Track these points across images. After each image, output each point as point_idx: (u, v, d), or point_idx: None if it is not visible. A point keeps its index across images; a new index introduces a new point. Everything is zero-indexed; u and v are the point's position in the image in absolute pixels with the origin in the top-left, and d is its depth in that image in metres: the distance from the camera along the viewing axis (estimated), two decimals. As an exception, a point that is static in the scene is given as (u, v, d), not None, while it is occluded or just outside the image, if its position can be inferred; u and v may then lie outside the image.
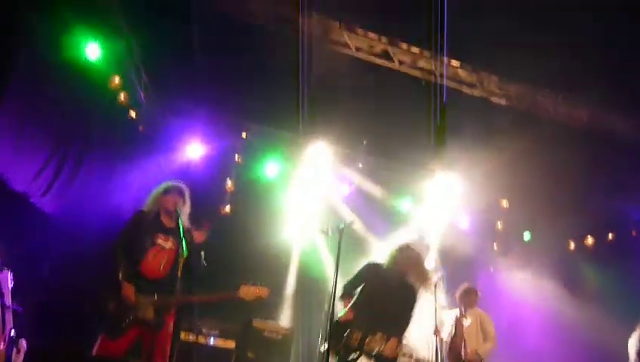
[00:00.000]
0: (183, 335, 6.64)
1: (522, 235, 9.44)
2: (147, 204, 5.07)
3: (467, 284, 7.29)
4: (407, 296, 5.48)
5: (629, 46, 6.40)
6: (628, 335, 7.79)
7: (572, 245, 9.36)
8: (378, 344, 5.22)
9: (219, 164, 8.06)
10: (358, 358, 5.25)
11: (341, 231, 5.12)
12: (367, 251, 8.21)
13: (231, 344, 6.86)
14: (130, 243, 4.83)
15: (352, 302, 5.45)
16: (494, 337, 6.97)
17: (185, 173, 7.46)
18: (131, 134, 7.38)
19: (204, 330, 6.82)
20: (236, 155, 8.15)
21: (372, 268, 5.66)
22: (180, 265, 4.72)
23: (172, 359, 4.81)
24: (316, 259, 8.36)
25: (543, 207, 8.62)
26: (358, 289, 5.56)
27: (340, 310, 5.45)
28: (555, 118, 7.26)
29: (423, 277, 5.62)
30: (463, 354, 6.84)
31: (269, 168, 8.32)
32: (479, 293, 7.21)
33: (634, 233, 8.79)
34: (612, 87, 6.74)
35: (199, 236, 5.21)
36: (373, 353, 5.22)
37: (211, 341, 6.81)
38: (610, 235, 9.09)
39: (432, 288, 5.78)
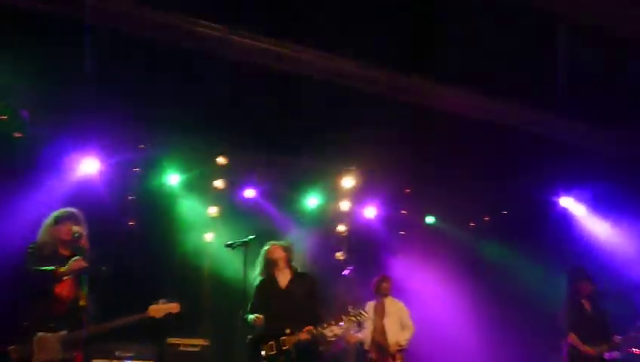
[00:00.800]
0: (94, 362, 6.47)
1: (425, 220, 9.89)
2: (40, 235, 4.78)
3: (381, 274, 7.50)
4: (298, 288, 5.61)
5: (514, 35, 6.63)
6: (521, 301, 8.52)
7: (472, 224, 9.91)
8: (293, 339, 5.31)
9: (118, 177, 7.77)
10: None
11: (247, 245, 5.14)
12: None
13: (148, 364, 6.72)
14: (32, 281, 4.56)
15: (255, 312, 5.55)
16: (411, 324, 7.21)
17: (82, 190, 7.19)
18: (18, 154, 6.98)
19: (117, 353, 6.62)
20: (136, 168, 7.89)
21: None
22: (84, 295, 4.52)
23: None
24: (229, 269, 8.30)
25: (444, 192, 9.02)
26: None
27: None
28: (448, 109, 7.56)
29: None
30: (385, 345, 7.03)
31: (171, 178, 8.13)
32: (392, 281, 7.42)
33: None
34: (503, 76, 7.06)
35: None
36: (292, 348, 5.30)
37: (126, 364, 6.62)
38: (504, 212, 9.67)
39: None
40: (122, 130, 7.60)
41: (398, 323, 7.15)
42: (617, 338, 6.48)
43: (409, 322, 7.20)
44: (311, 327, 5.34)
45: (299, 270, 5.82)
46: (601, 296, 6.70)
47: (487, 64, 6.87)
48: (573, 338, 6.44)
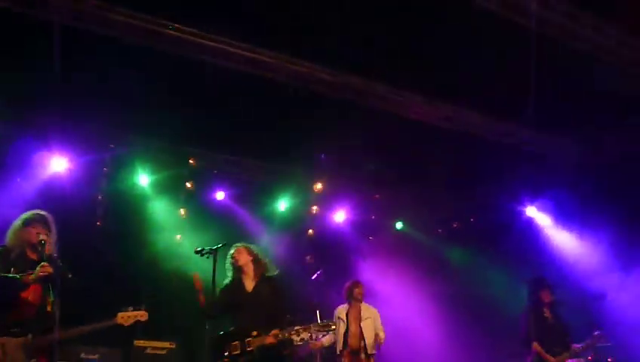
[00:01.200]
0: (59, 366, 6.41)
1: (394, 225, 10.02)
2: (8, 238, 4.72)
3: (352, 280, 7.55)
4: (264, 292, 5.62)
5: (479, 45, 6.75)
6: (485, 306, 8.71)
7: (439, 230, 10.09)
8: (258, 341, 5.32)
9: (87, 177, 7.71)
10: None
11: (215, 252, 5.16)
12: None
13: (114, 367, 6.71)
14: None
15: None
16: (382, 328, 7.27)
17: (50, 189, 7.11)
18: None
19: (82, 355, 6.59)
20: (104, 168, 7.83)
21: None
22: (51, 301, 4.49)
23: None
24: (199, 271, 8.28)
25: (412, 198, 9.16)
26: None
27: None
28: (418, 118, 7.68)
29: (264, 268, 5.78)
30: (358, 349, 7.06)
31: (141, 178, 8.09)
32: (364, 287, 7.48)
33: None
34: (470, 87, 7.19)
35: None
36: (255, 350, 5.31)
37: (91, 366, 6.59)
38: (471, 219, 9.86)
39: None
40: (91, 130, 7.55)
41: (373, 327, 7.19)
42: (576, 346, 6.67)
43: (381, 327, 7.30)
44: (277, 331, 5.36)
45: (267, 273, 5.81)
46: (560, 305, 6.86)
47: (453, 75, 6.99)
48: (537, 347, 6.58)
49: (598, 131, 8.01)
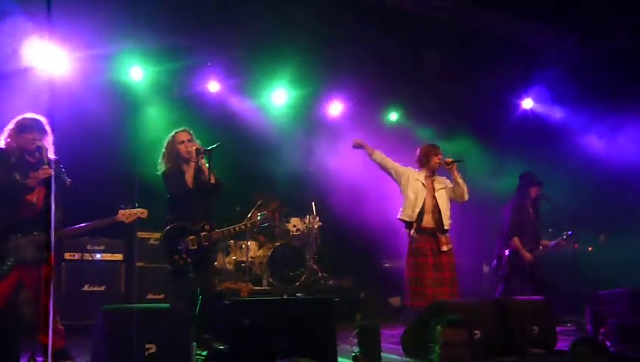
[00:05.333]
0: (67, 256, 6.79)
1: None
2: (6, 142, 4.80)
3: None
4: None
5: None
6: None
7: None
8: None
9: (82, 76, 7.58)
10: None
11: (210, 152, 5.27)
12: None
13: (118, 256, 7.07)
14: (2, 186, 4.67)
15: None
16: None
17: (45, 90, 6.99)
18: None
19: (88, 247, 6.93)
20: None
21: None
22: (52, 198, 4.68)
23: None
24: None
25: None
26: None
27: None
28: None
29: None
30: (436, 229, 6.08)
31: (134, 72, 8.03)
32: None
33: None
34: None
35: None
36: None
37: (97, 256, 6.95)
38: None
39: None
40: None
41: (448, 199, 6.12)
42: (547, 243, 6.95)
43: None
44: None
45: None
46: (543, 199, 7.06)
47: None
48: (517, 242, 6.85)
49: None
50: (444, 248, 5.90)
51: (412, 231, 5.91)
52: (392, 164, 6.10)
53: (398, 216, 6.04)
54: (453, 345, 3.68)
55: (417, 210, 5.90)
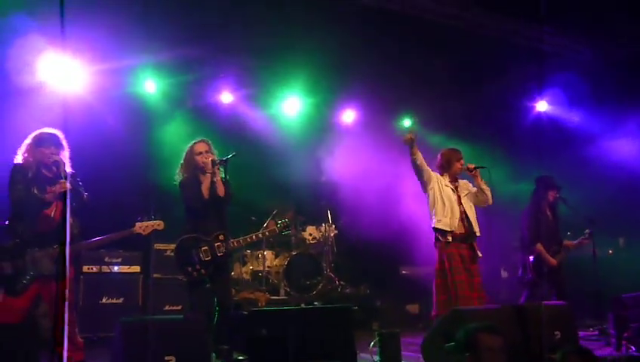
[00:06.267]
0: (85, 268, 6.83)
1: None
2: (23, 157, 4.85)
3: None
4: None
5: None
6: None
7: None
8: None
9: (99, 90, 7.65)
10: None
11: (226, 162, 5.27)
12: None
13: (136, 268, 7.11)
14: (21, 200, 4.72)
15: None
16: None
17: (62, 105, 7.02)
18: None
19: (106, 259, 6.97)
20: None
21: None
22: (68, 212, 4.70)
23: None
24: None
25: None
26: None
27: None
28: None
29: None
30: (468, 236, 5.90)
31: (148, 85, 8.10)
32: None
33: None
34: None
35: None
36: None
37: (115, 268, 6.99)
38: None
39: None
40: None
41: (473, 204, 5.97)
42: (569, 243, 6.87)
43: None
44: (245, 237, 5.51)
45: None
46: (561, 202, 6.97)
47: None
48: (540, 248, 6.75)
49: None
50: (480, 254, 5.77)
51: (446, 239, 5.70)
52: (427, 166, 5.87)
53: (434, 225, 5.76)
54: (492, 350, 3.62)
55: (456, 219, 5.71)
